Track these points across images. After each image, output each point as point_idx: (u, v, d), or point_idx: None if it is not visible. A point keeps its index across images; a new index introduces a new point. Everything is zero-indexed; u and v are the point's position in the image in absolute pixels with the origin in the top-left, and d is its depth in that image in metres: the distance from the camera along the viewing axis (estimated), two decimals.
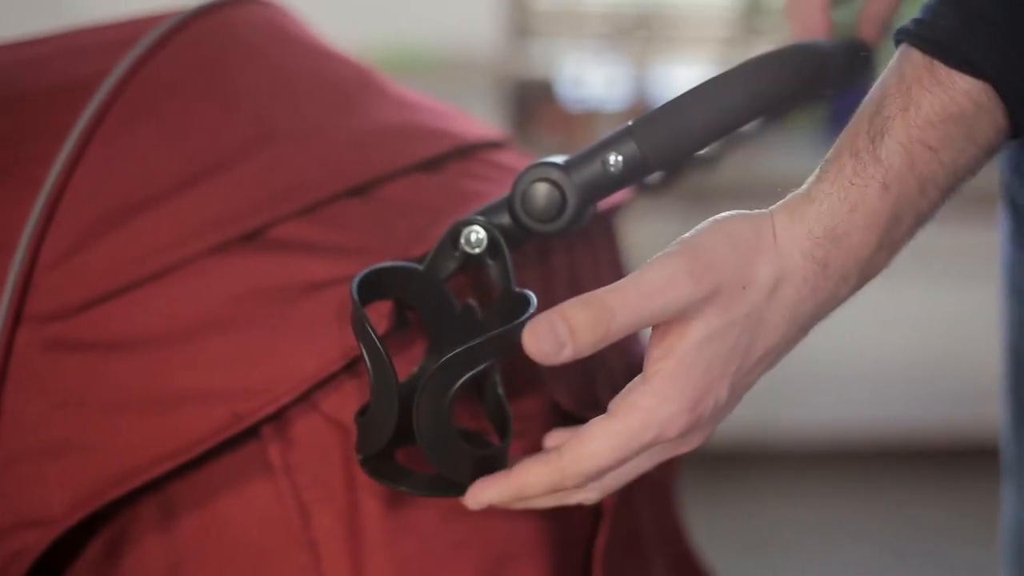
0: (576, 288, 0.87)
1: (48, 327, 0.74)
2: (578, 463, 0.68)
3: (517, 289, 0.72)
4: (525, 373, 0.79)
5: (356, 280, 0.69)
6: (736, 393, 0.71)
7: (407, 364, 0.74)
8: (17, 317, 0.74)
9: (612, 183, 0.71)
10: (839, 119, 1.08)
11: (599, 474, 0.69)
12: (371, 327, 0.66)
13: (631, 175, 0.71)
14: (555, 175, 0.71)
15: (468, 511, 0.76)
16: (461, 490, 0.68)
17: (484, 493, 0.69)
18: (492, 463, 0.69)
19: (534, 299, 0.69)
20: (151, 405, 0.73)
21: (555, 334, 0.64)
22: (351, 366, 0.73)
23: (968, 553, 3.03)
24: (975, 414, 3.39)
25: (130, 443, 0.73)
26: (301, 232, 0.76)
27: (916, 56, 0.66)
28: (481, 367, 0.65)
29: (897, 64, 0.68)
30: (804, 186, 0.69)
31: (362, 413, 0.71)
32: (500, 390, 0.74)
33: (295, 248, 0.75)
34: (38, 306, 0.74)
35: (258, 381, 0.73)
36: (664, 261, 0.68)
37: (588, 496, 0.73)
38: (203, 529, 0.76)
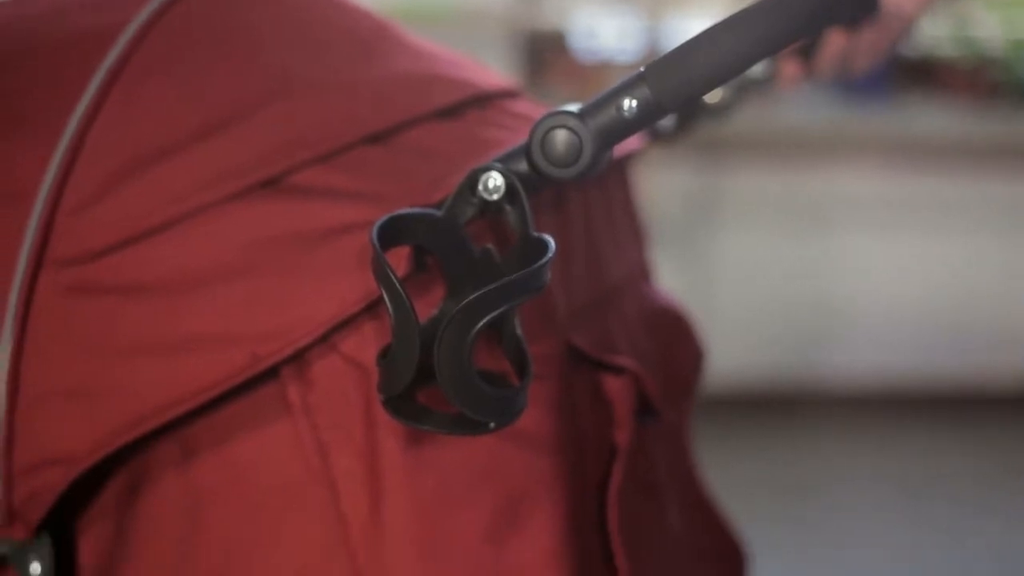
0: (591, 234, 0.88)
1: (69, 271, 0.75)
2: None
3: (535, 234, 0.73)
4: (543, 316, 0.80)
5: (376, 226, 0.70)
6: None
7: (427, 307, 0.75)
8: (39, 262, 0.76)
9: (627, 127, 0.72)
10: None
11: None
12: (392, 271, 0.67)
13: (645, 119, 0.72)
14: (571, 122, 0.72)
15: (487, 451, 0.78)
16: (482, 428, 0.70)
17: None
18: (512, 402, 0.70)
19: (552, 243, 0.70)
20: (171, 348, 0.74)
21: None
22: (370, 308, 0.74)
23: (996, 497, 3.07)
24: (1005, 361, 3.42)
25: (150, 385, 0.74)
26: (320, 179, 0.76)
27: None
28: (501, 310, 0.67)
29: None
30: None
31: (384, 355, 0.72)
32: (519, 332, 0.75)
33: (315, 194, 0.76)
34: (59, 251, 0.76)
35: (278, 324, 0.74)
36: None
37: None
38: (222, 469, 0.78)
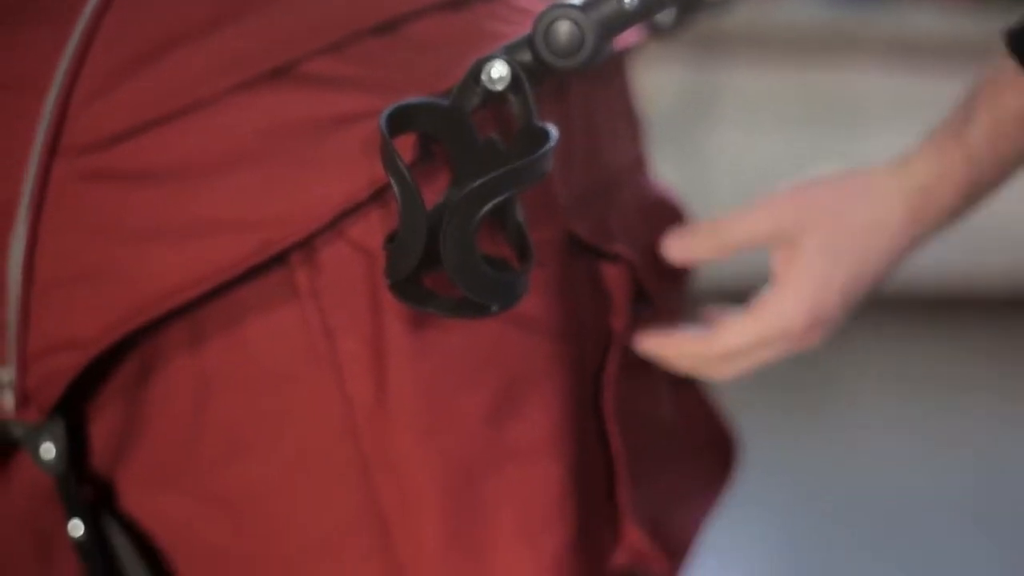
0: (591, 125, 0.90)
1: (83, 159, 0.76)
2: (716, 348, 0.93)
3: (537, 123, 0.74)
4: (544, 204, 0.82)
5: (385, 114, 0.71)
6: (847, 303, 0.92)
7: (432, 194, 0.76)
8: (53, 149, 0.76)
9: (628, 19, 0.74)
10: None
11: (731, 358, 0.93)
12: (399, 158, 0.69)
13: (646, 11, 0.73)
14: (574, 13, 0.74)
15: (489, 336, 0.80)
16: (485, 311, 0.72)
17: (644, 340, 0.93)
18: (514, 286, 0.72)
19: (554, 132, 0.72)
20: (182, 233, 0.75)
21: (679, 246, 0.94)
22: (377, 195, 0.76)
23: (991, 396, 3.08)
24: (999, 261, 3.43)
25: (161, 270, 0.76)
26: (330, 68, 0.77)
27: (1010, 64, 0.85)
28: (505, 195, 0.69)
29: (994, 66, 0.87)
30: (904, 154, 0.91)
31: (391, 240, 0.74)
32: (521, 219, 0.77)
33: (324, 83, 0.76)
34: (73, 139, 0.76)
35: (287, 210, 0.75)
36: (773, 195, 0.93)
37: (720, 372, 0.96)
38: (231, 351, 0.79)
